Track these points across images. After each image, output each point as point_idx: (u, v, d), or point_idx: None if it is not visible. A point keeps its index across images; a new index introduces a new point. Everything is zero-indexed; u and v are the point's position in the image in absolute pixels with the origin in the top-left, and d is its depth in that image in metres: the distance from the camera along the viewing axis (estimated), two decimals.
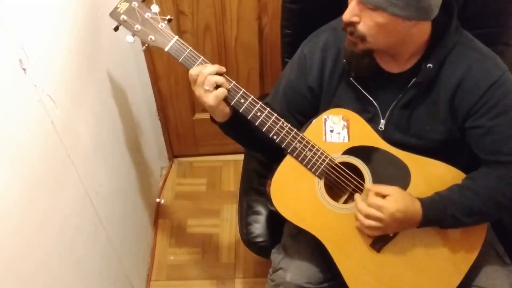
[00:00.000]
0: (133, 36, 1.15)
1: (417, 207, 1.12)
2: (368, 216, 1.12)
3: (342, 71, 1.20)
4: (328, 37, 1.22)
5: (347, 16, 1.05)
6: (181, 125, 2.17)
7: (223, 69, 1.13)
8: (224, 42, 1.85)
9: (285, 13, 1.44)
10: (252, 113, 1.14)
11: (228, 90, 1.13)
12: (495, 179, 1.13)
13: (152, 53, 1.86)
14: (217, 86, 1.11)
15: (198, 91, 1.13)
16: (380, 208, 1.10)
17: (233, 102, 1.14)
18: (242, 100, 1.13)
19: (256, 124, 1.15)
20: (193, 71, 1.12)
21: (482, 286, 1.23)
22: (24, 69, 0.92)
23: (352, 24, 1.05)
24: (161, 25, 1.13)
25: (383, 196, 1.12)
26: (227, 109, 1.15)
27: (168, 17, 1.14)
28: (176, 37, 1.13)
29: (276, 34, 1.70)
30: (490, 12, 1.31)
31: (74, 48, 1.20)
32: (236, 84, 1.13)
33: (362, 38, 1.05)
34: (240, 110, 1.14)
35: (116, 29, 1.16)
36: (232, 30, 1.82)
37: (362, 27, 1.04)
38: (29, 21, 0.96)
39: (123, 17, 1.13)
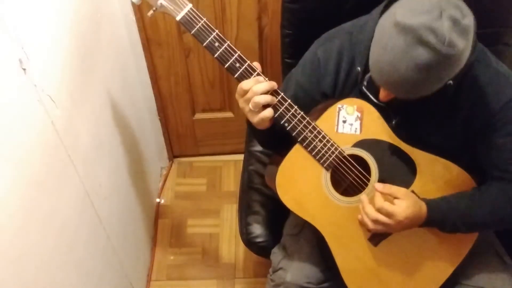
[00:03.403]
0: None
1: (423, 212, 1.12)
2: (376, 222, 1.10)
3: (355, 79, 1.17)
4: (343, 42, 1.18)
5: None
6: (181, 125, 2.17)
7: (275, 86, 1.07)
8: None
9: (285, 13, 1.44)
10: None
11: (274, 106, 1.08)
12: (501, 195, 1.13)
13: (152, 53, 1.86)
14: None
15: (243, 105, 1.08)
16: (390, 215, 1.08)
17: (276, 114, 1.10)
18: (282, 108, 1.09)
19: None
20: (244, 86, 1.05)
21: (482, 287, 1.23)
22: (24, 69, 0.92)
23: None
24: None
25: (392, 199, 1.10)
26: (268, 123, 1.11)
27: None
28: (190, 5, 1.03)
29: (276, 34, 1.70)
30: (490, 12, 1.30)
31: (74, 48, 1.20)
32: (284, 96, 1.09)
33: None
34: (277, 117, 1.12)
35: None
36: (232, 30, 1.82)
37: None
38: (29, 21, 0.96)
39: None
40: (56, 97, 1.06)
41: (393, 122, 1.16)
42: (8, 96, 0.88)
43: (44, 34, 1.03)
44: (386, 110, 1.15)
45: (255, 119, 1.09)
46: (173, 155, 2.31)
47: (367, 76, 1.13)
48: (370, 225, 1.11)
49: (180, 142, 2.26)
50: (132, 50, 1.78)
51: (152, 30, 1.78)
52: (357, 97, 1.17)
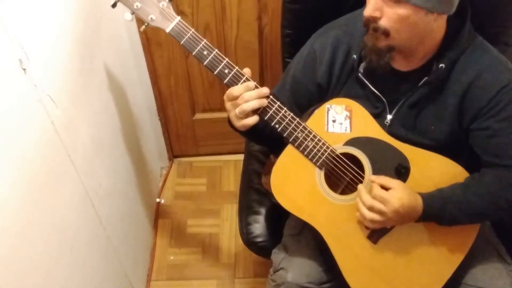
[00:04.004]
0: (132, 14, 1.09)
1: (419, 203, 1.13)
2: (371, 209, 1.11)
3: (351, 67, 1.19)
4: (339, 33, 1.21)
5: (369, 11, 1.03)
6: (181, 125, 2.17)
7: (266, 92, 1.10)
8: (224, 42, 1.86)
9: (285, 13, 1.44)
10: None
11: (264, 108, 1.10)
12: (497, 182, 1.13)
13: (152, 53, 1.86)
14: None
15: (230, 108, 1.11)
16: (385, 201, 1.10)
17: (267, 117, 1.12)
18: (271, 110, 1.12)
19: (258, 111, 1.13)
20: (235, 92, 1.09)
21: (484, 287, 1.23)
22: (24, 69, 0.92)
23: (374, 19, 1.04)
24: (162, 4, 1.08)
25: (387, 189, 1.12)
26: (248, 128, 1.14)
27: None
28: (178, 17, 1.08)
29: (276, 34, 1.70)
30: (490, 12, 1.30)
31: (74, 48, 1.20)
32: (273, 99, 1.11)
33: (386, 34, 1.04)
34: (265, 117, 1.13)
35: (114, 5, 1.09)
36: (232, 30, 1.82)
37: (385, 22, 1.03)
38: (29, 21, 0.96)
39: None
40: (56, 97, 1.06)
41: (389, 117, 1.18)
42: (8, 96, 0.88)
43: (44, 34, 1.03)
44: (383, 100, 1.18)
45: (240, 125, 1.12)
46: (173, 155, 2.31)
47: (363, 63, 1.16)
48: (366, 213, 1.12)
49: (180, 142, 2.26)
50: (132, 50, 1.78)
51: (152, 30, 1.78)
52: (353, 84, 1.20)
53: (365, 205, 1.12)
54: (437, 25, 1.07)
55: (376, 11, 1.03)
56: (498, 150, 1.13)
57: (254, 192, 1.58)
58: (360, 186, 1.15)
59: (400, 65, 1.16)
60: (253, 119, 1.10)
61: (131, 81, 1.78)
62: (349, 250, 1.21)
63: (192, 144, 2.26)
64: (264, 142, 1.24)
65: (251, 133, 1.18)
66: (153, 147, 2.16)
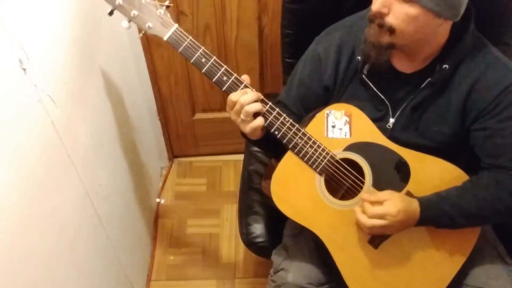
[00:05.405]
0: (129, 22, 1.08)
1: (415, 206, 1.13)
2: (373, 228, 1.12)
3: (355, 69, 1.19)
4: (343, 34, 1.21)
5: (377, 6, 1.02)
6: (181, 125, 2.17)
7: (260, 96, 1.10)
8: (224, 42, 1.85)
9: (285, 13, 1.44)
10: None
11: (264, 114, 1.11)
12: (495, 185, 1.13)
13: (152, 53, 1.86)
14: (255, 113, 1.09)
15: (234, 117, 1.11)
16: (383, 216, 1.10)
17: (266, 123, 1.12)
18: (275, 120, 1.12)
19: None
20: (233, 97, 1.09)
21: (483, 287, 1.23)
22: (24, 69, 0.92)
23: (381, 15, 1.03)
24: (160, 12, 1.06)
25: (381, 203, 1.12)
26: (260, 132, 1.14)
27: (167, 3, 1.08)
28: (176, 25, 1.07)
29: (276, 34, 1.70)
30: (490, 12, 1.30)
31: (74, 48, 1.20)
32: (272, 105, 1.11)
33: (391, 31, 1.03)
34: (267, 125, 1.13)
35: (110, 13, 1.07)
36: (232, 30, 1.82)
37: (391, 19, 1.02)
38: (29, 21, 0.96)
39: (119, 1, 1.04)
40: (56, 97, 1.06)
41: (391, 120, 1.18)
42: (8, 96, 0.88)
43: (44, 34, 1.03)
44: (386, 103, 1.18)
45: (246, 129, 1.11)
46: (173, 155, 2.31)
47: (367, 65, 1.15)
48: (370, 232, 1.15)
49: (180, 142, 2.26)
50: (132, 50, 1.78)
51: None
52: (357, 86, 1.19)
53: (366, 227, 1.12)
54: (442, 30, 1.07)
55: (385, 8, 1.02)
56: (497, 151, 1.13)
57: (254, 192, 1.57)
58: (356, 209, 1.15)
59: (403, 66, 1.16)
60: (260, 120, 1.10)
61: (131, 81, 1.78)
62: (350, 255, 1.20)
63: (192, 144, 2.26)
64: (277, 152, 1.23)
65: (265, 142, 1.18)
66: (153, 147, 2.16)
